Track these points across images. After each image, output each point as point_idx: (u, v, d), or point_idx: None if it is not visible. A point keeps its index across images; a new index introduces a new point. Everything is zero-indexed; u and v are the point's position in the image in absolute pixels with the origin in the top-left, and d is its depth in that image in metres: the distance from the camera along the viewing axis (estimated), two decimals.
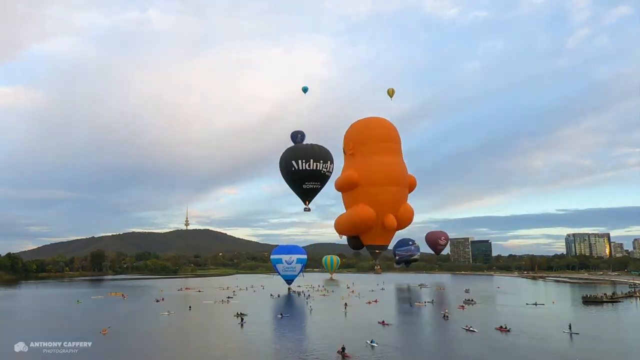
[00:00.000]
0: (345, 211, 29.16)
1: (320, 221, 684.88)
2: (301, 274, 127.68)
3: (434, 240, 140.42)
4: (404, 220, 29.30)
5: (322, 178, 43.12)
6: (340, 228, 29.63)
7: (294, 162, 43.02)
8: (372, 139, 29.33)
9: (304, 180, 43.11)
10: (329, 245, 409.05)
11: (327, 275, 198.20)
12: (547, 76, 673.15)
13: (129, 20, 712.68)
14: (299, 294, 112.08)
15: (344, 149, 31.25)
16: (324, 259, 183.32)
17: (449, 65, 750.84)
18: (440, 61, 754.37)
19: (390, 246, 53.31)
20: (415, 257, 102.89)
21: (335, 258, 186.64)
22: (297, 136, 53.38)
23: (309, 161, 42.58)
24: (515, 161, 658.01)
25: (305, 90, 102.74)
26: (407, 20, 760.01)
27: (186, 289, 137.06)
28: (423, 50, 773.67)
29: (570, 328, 55.71)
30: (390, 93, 60.08)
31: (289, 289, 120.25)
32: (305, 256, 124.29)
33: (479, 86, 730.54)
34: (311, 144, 45.75)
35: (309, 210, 46.28)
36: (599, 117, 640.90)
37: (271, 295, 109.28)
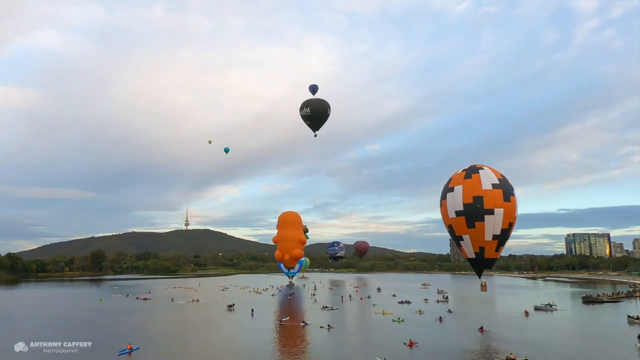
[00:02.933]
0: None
1: (319, 221, 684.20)
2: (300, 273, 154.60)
3: (359, 247, 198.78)
4: (295, 256, 69.53)
5: (324, 117, 67.01)
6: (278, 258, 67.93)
7: (307, 108, 67.51)
8: (283, 222, 72.09)
9: (314, 118, 67.43)
10: (328, 245, 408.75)
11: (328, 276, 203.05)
12: (552, 71, 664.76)
13: (118, 17, 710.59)
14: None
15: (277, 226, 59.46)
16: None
17: (451, 61, 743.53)
18: (443, 57, 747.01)
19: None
20: (340, 254, 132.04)
21: (306, 260, 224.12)
22: (313, 89, 71.24)
23: (316, 106, 67.44)
24: (517, 160, 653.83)
25: (227, 150, 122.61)
26: (415, 17, 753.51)
27: (177, 287, 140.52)
28: (426, 46, 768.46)
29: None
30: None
31: (291, 282, 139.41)
32: (303, 258, 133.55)
33: (483, 82, 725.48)
34: (317, 98, 69.84)
35: (315, 136, 71.53)
36: (605, 114, 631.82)
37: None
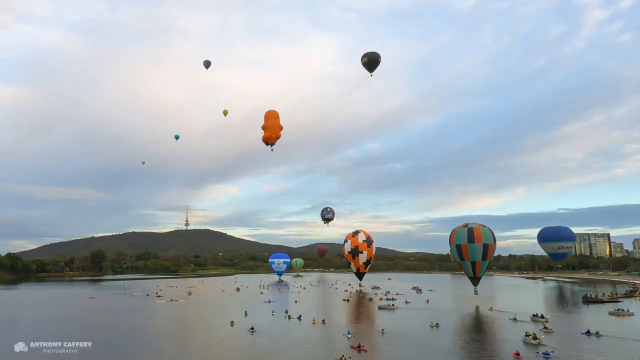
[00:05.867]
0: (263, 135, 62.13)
1: (319, 220, 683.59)
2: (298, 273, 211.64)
3: (320, 249, 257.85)
4: (271, 136, 61.14)
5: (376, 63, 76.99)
6: (265, 139, 59.85)
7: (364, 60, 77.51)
8: (269, 116, 62.40)
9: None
10: (328, 245, 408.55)
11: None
12: (556, 67, 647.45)
13: (111, 13, 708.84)
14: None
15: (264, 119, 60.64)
16: (293, 260, 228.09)
17: (452, 58, 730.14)
18: (444, 53, 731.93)
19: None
20: (328, 217, 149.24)
21: (300, 260, 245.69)
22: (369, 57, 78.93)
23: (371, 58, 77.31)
24: (518, 158, 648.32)
25: (177, 137, 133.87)
26: (416, 13, 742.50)
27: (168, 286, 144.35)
28: (426, 41, 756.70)
29: None
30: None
31: (280, 279, 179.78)
32: (288, 260, 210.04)
33: (484, 78, 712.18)
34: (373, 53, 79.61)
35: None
36: (611, 112, 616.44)
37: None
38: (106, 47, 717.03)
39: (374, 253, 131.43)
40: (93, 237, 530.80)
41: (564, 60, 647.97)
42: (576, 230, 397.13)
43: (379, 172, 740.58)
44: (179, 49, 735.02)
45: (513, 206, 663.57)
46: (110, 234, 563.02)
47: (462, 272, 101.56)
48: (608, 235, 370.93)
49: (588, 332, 53.17)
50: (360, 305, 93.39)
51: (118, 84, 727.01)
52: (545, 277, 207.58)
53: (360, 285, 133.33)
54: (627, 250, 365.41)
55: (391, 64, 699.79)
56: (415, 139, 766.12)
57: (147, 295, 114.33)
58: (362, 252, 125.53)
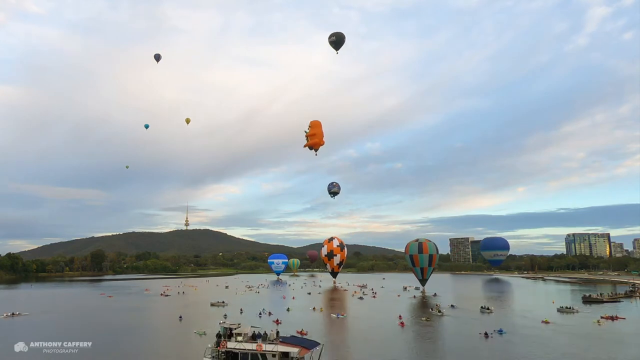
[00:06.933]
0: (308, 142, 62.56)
1: (319, 220, 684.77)
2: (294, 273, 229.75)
3: (311, 255, 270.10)
4: (317, 142, 61.73)
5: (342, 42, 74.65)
6: (311, 145, 61.13)
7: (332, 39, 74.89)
8: (313, 125, 62.46)
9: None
10: None
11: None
12: (559, 64, 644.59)
13: (107, 12, 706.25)
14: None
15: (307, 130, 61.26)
16: (290, 261, 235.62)
17: (453, 56, 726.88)
18: (444, 50, 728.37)
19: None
20: (334, 190, 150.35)
21: (297, 261, 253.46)
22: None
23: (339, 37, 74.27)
24: (520, 158, 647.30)
25: (146, 127, 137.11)
26: (421, 11, 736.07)
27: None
28: (426, 39, 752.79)
29: None
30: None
31: (278, 278, 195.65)
32: (287, 260, 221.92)
33: (486, 77, 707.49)
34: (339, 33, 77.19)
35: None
36: (614, 110, 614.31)
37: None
38: (106, 46, 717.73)
39: (345, 256, 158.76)
40: (93, 237, 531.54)
41: (566, 58, 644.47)
42: (576, 230, 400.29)
43: (379, 172, 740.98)
44: (178, 48, 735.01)
45: (513, 206, 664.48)
46: (110, 234, 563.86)
47: (462, 273, 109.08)
48: (608, 235, 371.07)
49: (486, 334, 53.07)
50: (336, 298, 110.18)
51: (116, 83, 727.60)
52: (545, 277, 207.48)
53: (334, 283, 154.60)
54: (627, 250, 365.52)
55: (391, 62, 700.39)
56: (416, 138, 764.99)
57: (183, 293, 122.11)
58: (336, 255, 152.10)
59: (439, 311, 74.74)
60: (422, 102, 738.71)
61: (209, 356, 33.85)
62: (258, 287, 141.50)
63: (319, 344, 34.77)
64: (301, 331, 54.19)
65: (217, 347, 33.95)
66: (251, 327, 37.98)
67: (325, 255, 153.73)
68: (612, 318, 68.67)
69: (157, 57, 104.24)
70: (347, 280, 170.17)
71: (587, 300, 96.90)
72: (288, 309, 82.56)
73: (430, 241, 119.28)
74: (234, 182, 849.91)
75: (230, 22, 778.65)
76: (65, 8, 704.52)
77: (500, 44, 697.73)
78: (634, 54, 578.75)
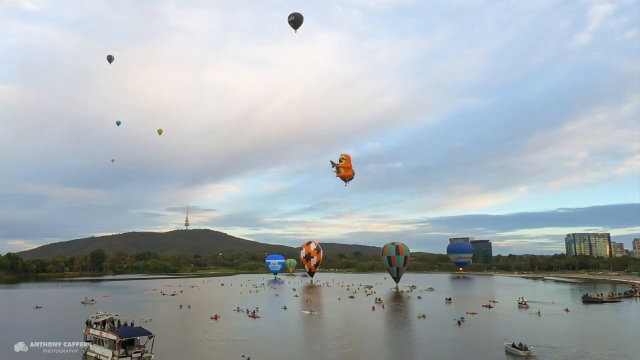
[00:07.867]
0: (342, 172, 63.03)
1: (319, 220, 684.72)
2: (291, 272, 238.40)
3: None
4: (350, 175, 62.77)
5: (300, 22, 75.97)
6: (343, 176, 62.25)
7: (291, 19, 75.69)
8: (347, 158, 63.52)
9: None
10: (328, 245, 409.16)
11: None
12: (560, 63, 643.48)
13: (104, 10, 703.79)
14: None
15: (340, 160, 62.50)
16: (286, 261, 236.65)
17: (453, 54, 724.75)
18: (444, 49, 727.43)
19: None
20: (292, 19, 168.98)
21: (293, 261, 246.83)
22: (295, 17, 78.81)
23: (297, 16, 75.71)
24: (520, 157, 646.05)
25: (118, 123, 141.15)
26: (421, 9, 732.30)
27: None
28: (425, 37, 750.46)
29: None
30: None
31: (275, 277, 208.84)
32: (283, 260, 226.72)
33: (487, 76, 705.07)
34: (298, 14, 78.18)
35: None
36: (616, 109, 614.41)
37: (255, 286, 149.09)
38: (105, 46, 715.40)
39: (321, 258, 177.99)
40: (93, 237, 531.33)
41: (567, 57, 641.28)
42: (576, 230, 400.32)
43: (379, 171, 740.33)
44: (178, 48, 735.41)
45: (514, 206, 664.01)
46: (110, 234, 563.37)
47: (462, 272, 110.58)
48: (608, 235, 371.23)
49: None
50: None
51: (116, 83, 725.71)
52: (545, 277, 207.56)
53: (311, 282, 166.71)
54: (627, 250, 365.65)
55: (391, 61, 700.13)
56: (416, 137, 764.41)
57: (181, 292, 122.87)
58: (312, 257, 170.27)
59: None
60: (422, 102, 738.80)
61: (83, 340, 44.34)
62: (258, 287, 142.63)
63: (150, 334, 40.54)
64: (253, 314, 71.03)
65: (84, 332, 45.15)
66: (115, 315, 46.52)
67: (304, 257, 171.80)
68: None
69: (110, 59, 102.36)
70: (328, 281, 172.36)
71: (587, 300, 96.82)
72: (285, 307, 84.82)
73: (405, 245, 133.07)
74: (234, 182, 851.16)
75: (231, 22, 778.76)
76: (63, 7, 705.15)
77: (501, 43, 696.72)
78: (636, 53, 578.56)
